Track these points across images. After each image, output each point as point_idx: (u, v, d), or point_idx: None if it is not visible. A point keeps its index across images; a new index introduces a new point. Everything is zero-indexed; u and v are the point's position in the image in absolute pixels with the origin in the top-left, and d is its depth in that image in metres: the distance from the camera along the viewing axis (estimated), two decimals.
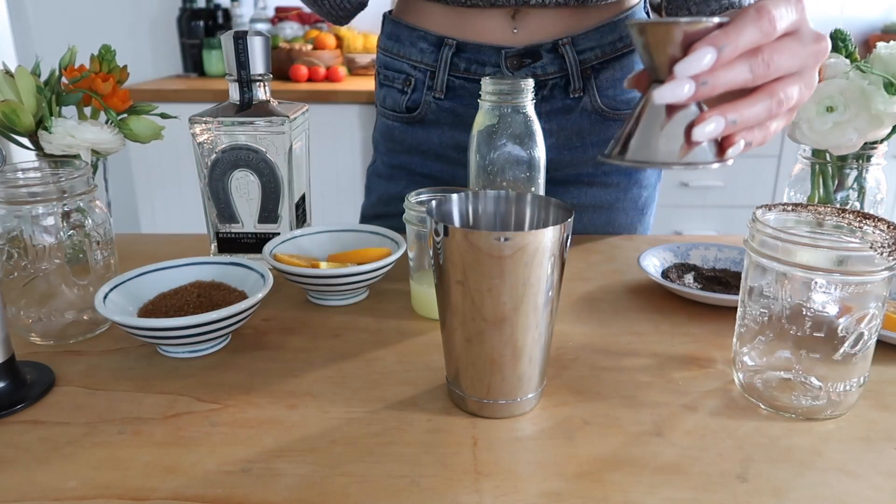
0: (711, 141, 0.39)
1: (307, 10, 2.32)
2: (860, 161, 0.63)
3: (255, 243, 0.71)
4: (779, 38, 0.40)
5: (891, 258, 0.42)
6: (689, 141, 0.38)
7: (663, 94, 0.38)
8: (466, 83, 0.78)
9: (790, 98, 0.41)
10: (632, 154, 0.39)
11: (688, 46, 0.38)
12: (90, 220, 0.57)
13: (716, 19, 0.38)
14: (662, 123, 0.39)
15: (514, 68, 0.75)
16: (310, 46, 2.36)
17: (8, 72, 0.63)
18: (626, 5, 0.78)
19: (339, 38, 2.46)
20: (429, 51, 0.79)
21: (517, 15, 0.74)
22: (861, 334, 0.44)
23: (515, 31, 0.75)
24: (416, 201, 0.60)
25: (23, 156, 0.71)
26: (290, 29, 2.46)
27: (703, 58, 0.37)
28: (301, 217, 0.74)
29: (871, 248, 0.41)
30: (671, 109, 0.39)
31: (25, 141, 0.67)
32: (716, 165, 0.39)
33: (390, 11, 0.85)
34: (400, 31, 0.81)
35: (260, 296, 0.54)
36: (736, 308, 0.50)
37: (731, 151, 0.40)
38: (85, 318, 0.58)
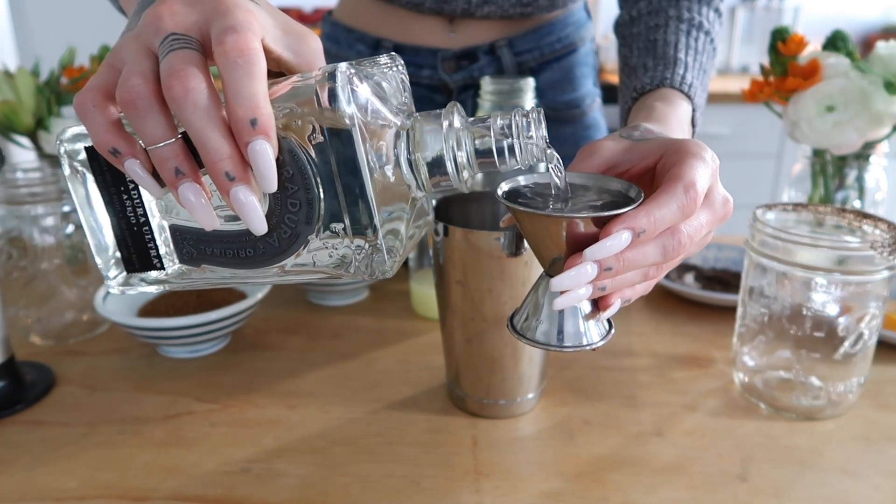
0: (586, 318, 0.34)
1: (306, 10, 2.32)
2: (860, 160, 0.63)
3: None
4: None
5: (891, 258, 0.42)
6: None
7: (562, 282, 0.31)
8: None
9: (675, 261, 0.34)
10: (517, 329, 0.34)
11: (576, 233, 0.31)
12: None
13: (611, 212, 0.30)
14: (543, 305, 0.34)
15: (450, 71, 0.75)
16: None
17: (8, 72, 0.63)
18: (568, 10, 0.77)
19: None
20: (366, 52, 0.78)
21: (455, 20, 0.74)
22: (861, 334, 0.44)
23: (452, 34, 0.74)
24: None
25: (23, 156, 0.71)
26: None
27: (616, 245, 0.30)
28: None
29: (871, 247, 0.41)
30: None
31: (25, 141, 0.67)
32: (599, 344, 0.34)
33: (330, 12, 0.85)
34: (338, 33, 0.80)
35: (260, 296, 0.54)
36: (736, 308, 0.50)
37: (604, 315, 0.34)
38: (85, 318, 0.58)
